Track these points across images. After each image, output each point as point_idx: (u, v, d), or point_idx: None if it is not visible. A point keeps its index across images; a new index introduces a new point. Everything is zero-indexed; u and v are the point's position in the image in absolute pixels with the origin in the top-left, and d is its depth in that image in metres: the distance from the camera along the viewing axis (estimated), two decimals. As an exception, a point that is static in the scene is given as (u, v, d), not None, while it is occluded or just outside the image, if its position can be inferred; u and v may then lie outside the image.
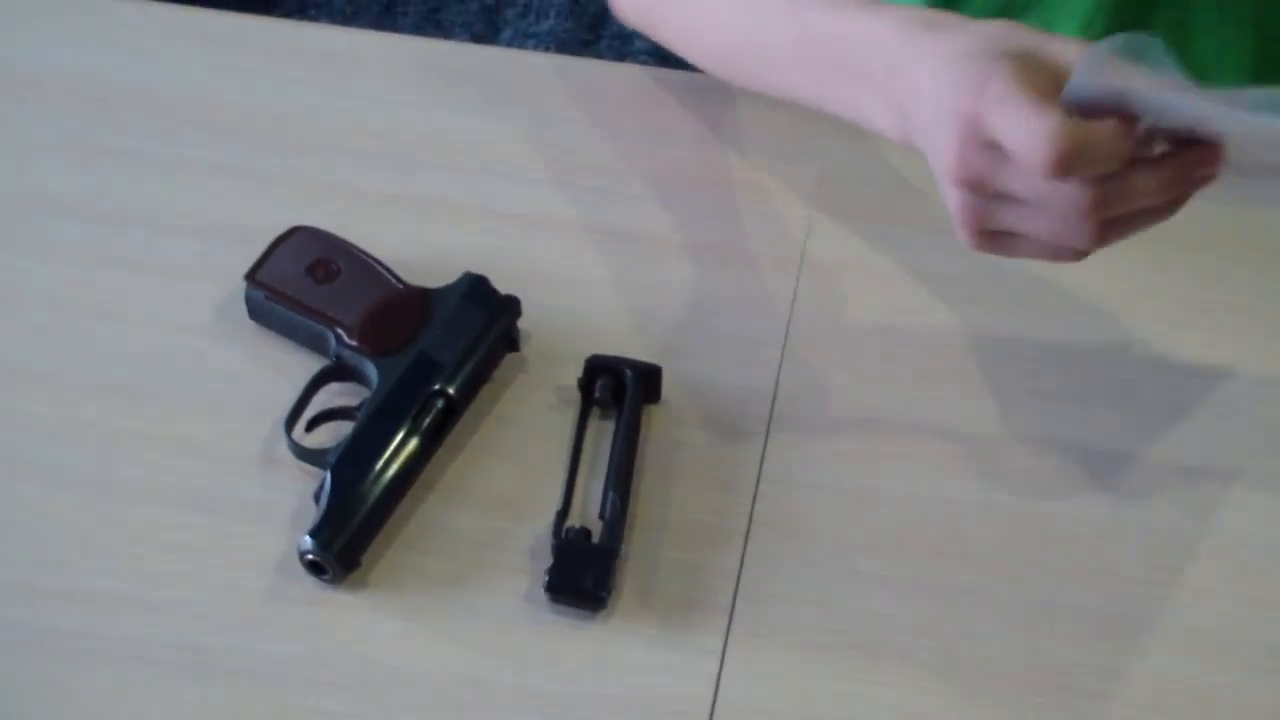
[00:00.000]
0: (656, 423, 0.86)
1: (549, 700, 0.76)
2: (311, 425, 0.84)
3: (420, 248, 0.90)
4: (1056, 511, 0.83)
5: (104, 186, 0.96)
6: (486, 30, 1.98)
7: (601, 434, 0.85)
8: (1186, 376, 0.88)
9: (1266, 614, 0.80)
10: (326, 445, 0.82)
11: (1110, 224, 0.70)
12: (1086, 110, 0.67)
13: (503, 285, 0.87)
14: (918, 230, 0.93)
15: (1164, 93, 0.67)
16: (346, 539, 0.79)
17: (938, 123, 0.71)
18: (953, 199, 0.72)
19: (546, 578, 0.78)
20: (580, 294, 0.91)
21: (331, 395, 0.85)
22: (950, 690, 0.77)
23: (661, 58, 0.98)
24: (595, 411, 0.86)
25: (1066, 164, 0.66)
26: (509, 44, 1.95)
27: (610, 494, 0.81)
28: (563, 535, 0.80)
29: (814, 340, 0.89)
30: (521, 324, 0.87)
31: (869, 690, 0.77)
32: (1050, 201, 0.69)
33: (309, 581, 0.79)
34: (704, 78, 0.97)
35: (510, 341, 0.87)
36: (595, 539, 0.80)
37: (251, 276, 0.88)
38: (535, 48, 1.94)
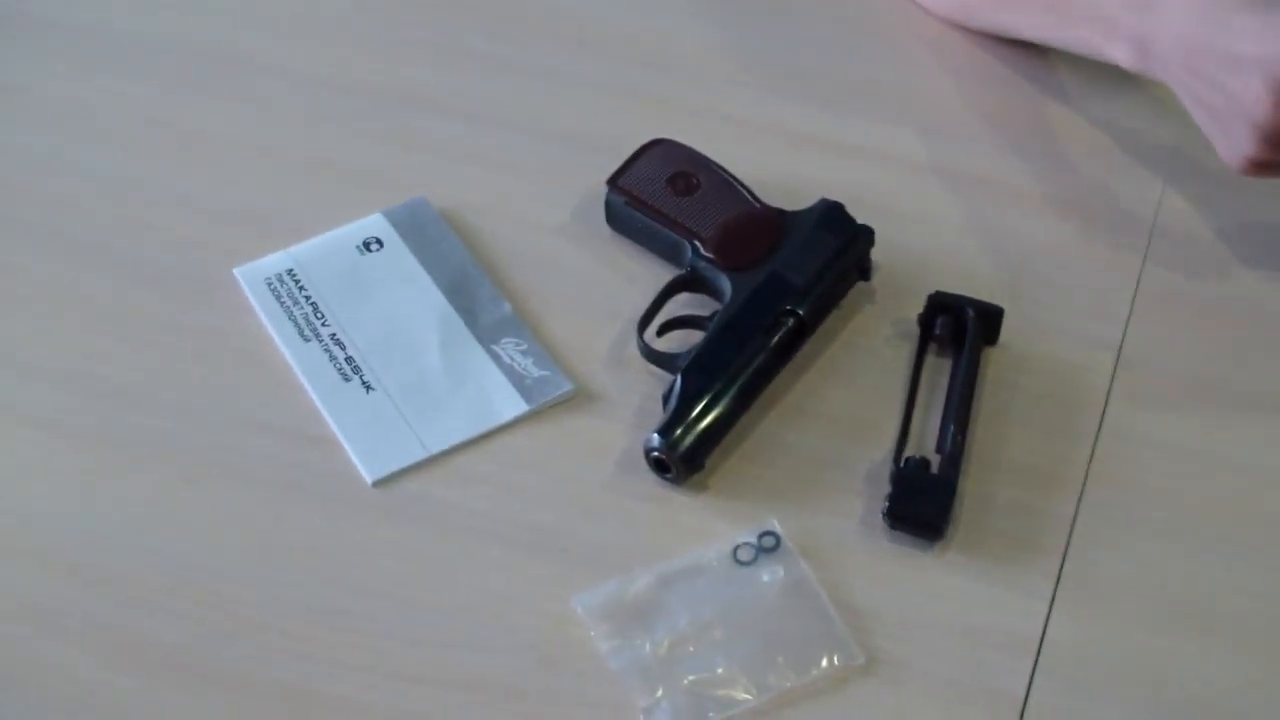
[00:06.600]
0: (993, 365, 0.86)
1: (880, 619, 0.77)
2: (662, 330, 0.86)
3: (776, 172, 0.92)
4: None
5: (468, 86, 0.99)
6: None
7: (937, 371, 0.86)
8: None
9: None
10: (676, 350, 0.84)
11: None
12: None
13: (855, 216, 0.88)
14: (1274, 203, 0.92)
15: None
16: (693, 441, 0.80)
17: (1233, 71, 0.82)
18: (1251, 139, 0.82)
19: (886, 504, 0.79)
20: (929, 232, 0.92)
21: (681, 304, 0.87)
22: (1283, 664, 0.76)
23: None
24: (932, 348, 0.86)
25: None
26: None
27: (950, 427, 0.81)
28: (902, 464, 0.81)
29: (1164, 300, 0.89)
30: (872, 255, 0.88)
31: (1195, 655, 0.76)
32: None
33: (650, 478, 0.81)
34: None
35: (862, 270, 0.88)
36: (933, 471, 0.81)
37: (614, 182, 0.90)
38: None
